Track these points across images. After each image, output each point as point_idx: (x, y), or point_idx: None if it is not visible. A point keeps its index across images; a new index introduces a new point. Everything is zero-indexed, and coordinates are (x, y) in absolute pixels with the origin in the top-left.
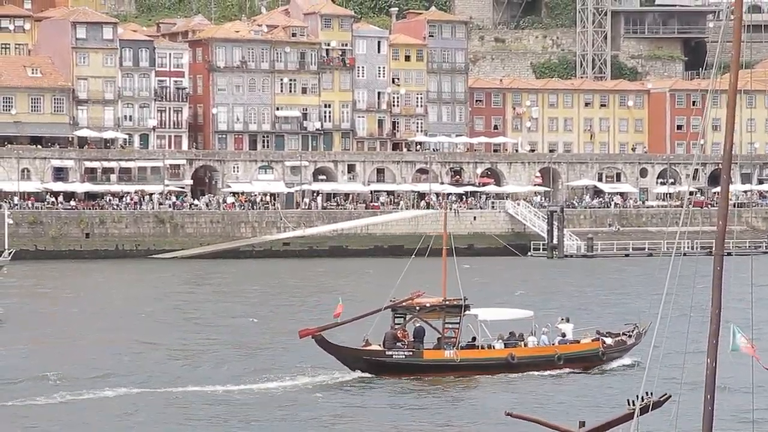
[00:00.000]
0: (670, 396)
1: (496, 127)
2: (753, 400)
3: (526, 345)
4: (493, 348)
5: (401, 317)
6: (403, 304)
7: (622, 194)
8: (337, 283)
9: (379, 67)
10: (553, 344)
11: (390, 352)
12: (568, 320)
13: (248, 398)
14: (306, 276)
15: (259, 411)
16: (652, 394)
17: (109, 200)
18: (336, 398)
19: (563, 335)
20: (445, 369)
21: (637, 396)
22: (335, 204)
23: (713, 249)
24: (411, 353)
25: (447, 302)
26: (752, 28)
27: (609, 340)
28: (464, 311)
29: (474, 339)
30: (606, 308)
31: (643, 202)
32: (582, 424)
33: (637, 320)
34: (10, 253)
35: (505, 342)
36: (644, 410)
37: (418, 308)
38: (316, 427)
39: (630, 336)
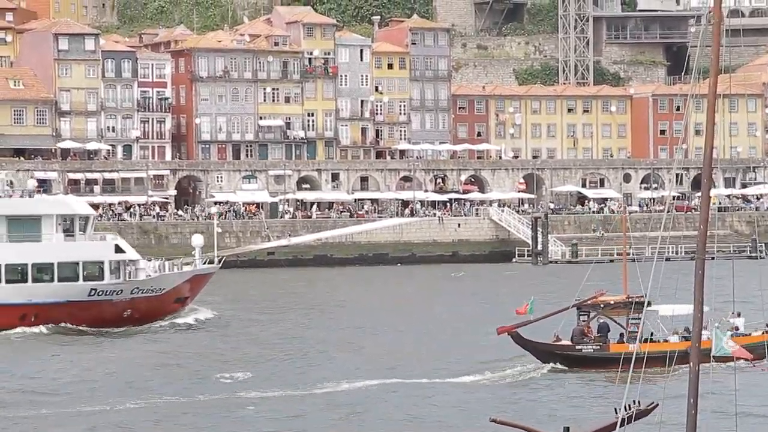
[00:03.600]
0: (657, 404)
1: (479, 134)
2: (735, 398)
3: None
4: (669, 342)
5: (585, 314)
6: (589, 302)
7: (613, 199)
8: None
9: (362, 76)
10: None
11: (579, 347)
12: (739, 315)
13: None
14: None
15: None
16: (639, 402)
17: (105, 212)
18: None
19: (736, 329)
20: (629, 362)
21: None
22: (321, 213)
23: (696, 253)
24: (598, 347)
25: (630, 299)
26: (732, 33)
27: None
28: (646, 307)
29: (652, 334)
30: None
31: (644, 208)
32: (567, 430)
33: None
34: (220, 260)
35: (682, 336)
36: (630, 419)
37: (602, 306)
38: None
39: None
